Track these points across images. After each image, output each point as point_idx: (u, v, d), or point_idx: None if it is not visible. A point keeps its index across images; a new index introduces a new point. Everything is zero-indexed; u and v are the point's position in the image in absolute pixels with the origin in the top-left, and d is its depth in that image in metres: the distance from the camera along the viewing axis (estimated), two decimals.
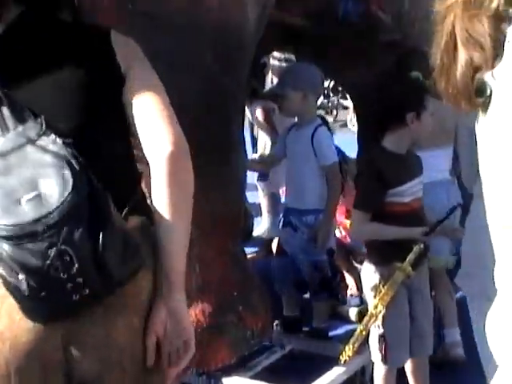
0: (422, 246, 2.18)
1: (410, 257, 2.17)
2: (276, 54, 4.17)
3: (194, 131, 2.16)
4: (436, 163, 2.73)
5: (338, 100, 10.05)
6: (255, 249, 4.07)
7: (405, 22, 2.97)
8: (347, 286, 3.37)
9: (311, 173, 2.87)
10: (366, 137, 3.22)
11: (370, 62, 2.99)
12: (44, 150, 1.15)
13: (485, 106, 0.87)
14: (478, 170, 0.91)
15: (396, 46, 2.96)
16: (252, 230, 4.39)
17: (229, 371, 2.43)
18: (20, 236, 1.08)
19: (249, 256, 3.09)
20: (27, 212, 1.09)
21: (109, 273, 1.14)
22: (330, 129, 3.01)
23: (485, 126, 0.87)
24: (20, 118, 1.18)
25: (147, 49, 1.98)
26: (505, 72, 0.83)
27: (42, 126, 1.18)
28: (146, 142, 1.26)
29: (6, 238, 1.08)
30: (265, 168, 3.60)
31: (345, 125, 8.85)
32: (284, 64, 4.10)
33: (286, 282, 3.01)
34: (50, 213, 1.09)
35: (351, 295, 3.33)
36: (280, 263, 3.01)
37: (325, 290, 2.91)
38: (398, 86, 2.34)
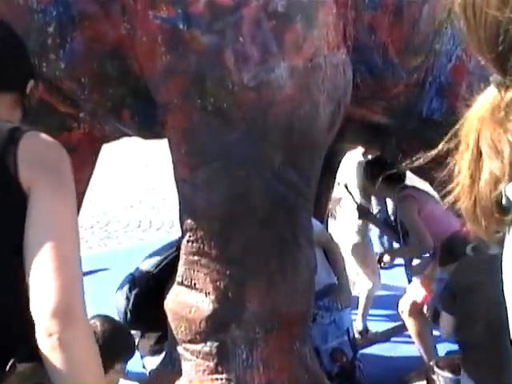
0: None
1: None
2: None
3: (261, 232, 2.31)
4: None
5: None
6: None
7: None
8: None
9: None
10: None
11: None
12: None
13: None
14: None
15: None
16: None
17: None
18: None
19: None
20: None
21: None
22: None
23: None
24: None
25: (217, 145, 2.22)
26: None
27: None
28: (32, 299, 1.23)
29: None
30: None
31: None
32: None
33: None
34: None
35: None
36: None
37: (345, 379, 2.93)
38: None
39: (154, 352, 2.99)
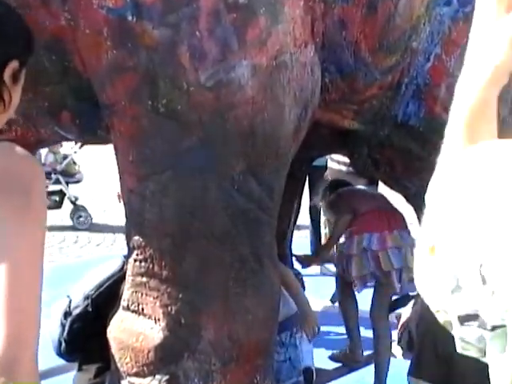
0: None
1: None
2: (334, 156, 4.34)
3: (218, 251, 2.30)
4: None
5: None
6: None
7: None
8: None
9: None
10: None
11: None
12: None
13: None
14: None
15: None
16: None
17: None
18: None
19: None
20: None
21: None
22: None
23: None
24: None
25: (169, 153, 2.20)
26: None
27: None
28: None
29: None
30: None
31: None
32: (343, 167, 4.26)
33: None
34: None
35: None
36: None
37: None
38: None
39: None
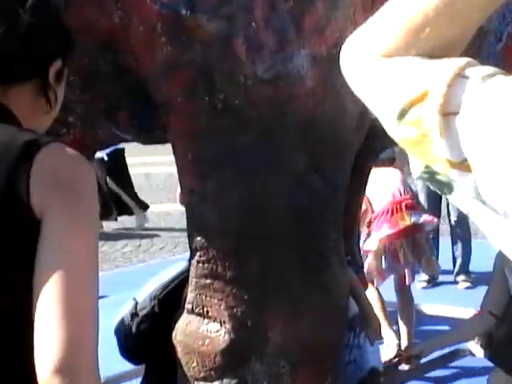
0: None
1: None
2: None
3: (282, 250, 2.27)
4: None
5: None
6: None
7: None
8: None
9: None
10: None
11: None
12: None
13: None
14: None
15: None
16: None
17: None
18: None
19: None
20: None
21: None
22: None
23: None
24: None
25: (228, 149, 2.19)
26: None
27: None
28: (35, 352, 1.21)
29: None
30: None
31: None
32: None
33: None
34: None
35: None
36: None
37: None
38: None
39: None
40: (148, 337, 2.84)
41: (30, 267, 1.23)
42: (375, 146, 3.28)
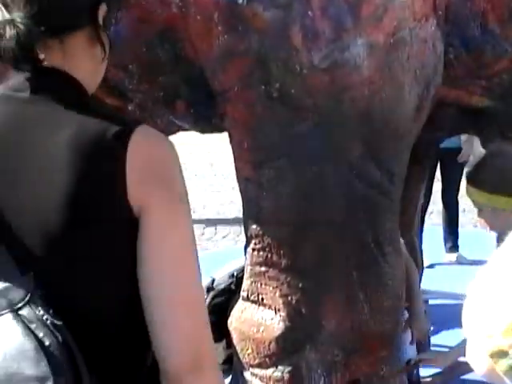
0: None
1: None
2: None
3: (338, 239, 2.28)
4: None
5: None
6: None
7: None
8: None
9: None
10: None
11: None
12: (26, 328, 1.14)
13: None
14: None
15: None
16: None
17: None
18: None
19: None
20: None
21: None
22: None
23: None
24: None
25: (284, 138, 2.20)
26: None
27: (28, 288, 1.18)
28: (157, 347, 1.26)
29: None
30: None
31: None
32: None
33: None
34: None
35: None
36: None
37: None
38: None
39: (223, 372, 3.00)
40: (220, 310, 2.89)
41: (129, 259, 1.24)
42: (436, 135, 3.25)
